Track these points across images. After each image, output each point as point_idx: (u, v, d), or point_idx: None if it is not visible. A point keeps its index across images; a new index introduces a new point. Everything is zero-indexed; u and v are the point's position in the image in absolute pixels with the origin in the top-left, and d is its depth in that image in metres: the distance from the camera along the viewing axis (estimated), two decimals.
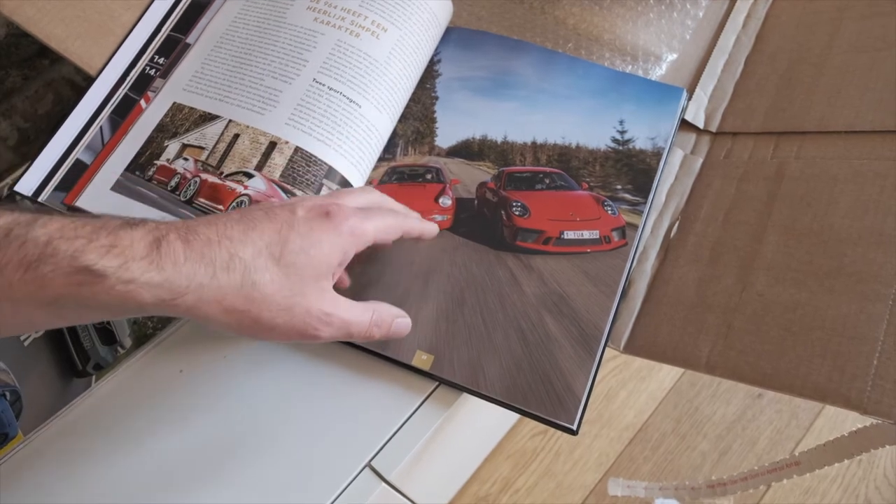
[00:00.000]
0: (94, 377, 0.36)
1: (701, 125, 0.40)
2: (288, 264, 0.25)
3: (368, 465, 0.33)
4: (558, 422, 0.32)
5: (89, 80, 0.38)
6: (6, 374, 0.35)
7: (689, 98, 0.41)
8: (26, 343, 0.36)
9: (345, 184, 0.36)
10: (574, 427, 0.32)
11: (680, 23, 0.44)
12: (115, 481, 0.33)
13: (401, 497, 0.35)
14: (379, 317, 0.29)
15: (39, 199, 0.35)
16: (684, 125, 0.41)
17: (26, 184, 0.35)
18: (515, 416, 0.80)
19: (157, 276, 0.22)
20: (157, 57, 0.40)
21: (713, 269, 0.34)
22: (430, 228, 0.34)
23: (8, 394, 0.35)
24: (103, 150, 0.37)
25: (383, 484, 0.33)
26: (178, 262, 0.22)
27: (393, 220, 0.30)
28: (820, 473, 0.81)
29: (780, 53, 0.40)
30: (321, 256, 0.26)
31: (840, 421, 0.85)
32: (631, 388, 0.89)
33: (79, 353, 0.36)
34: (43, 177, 0.36)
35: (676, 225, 0.37)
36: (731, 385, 0.87)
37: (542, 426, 0.85)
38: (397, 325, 0.31)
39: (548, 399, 0.32)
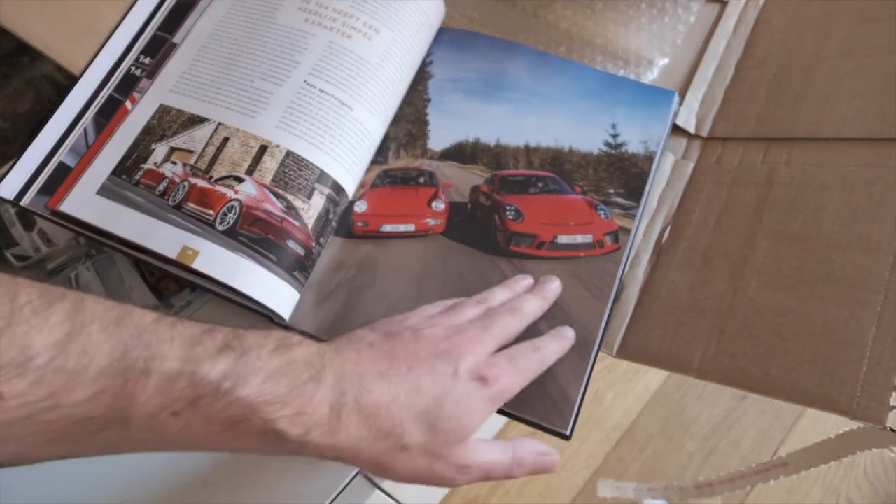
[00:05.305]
0: None
1: (692, 130, 0.41)
2: (438, 431, 0.26)
3: (360, 470, 0.33)
4: (552, 427, 0.32)
5: (72, 78, 0.37)
6: None
7: (681, 102, 0.41)
8: None
9: (337, 187, 0.36)
10: (567, 432, 0.32)
11: (672, 27, 0.44)
12: (111, 494, 0.32)
13: (394, 503, 0.35)
14: (520, 456, 0.29)
15: (22, 203, 0.34)
16: (675, 130, 0.41)
17: (8, 187, 0.34)
18: (503, 420, 0.80)
19: (328, 440, 0.24)
20: (142, 57, 0.39)
21: (705, 274, 0.34)
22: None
23: None
24: (88, 153, 0.36)
25: (376, 490, 0.33)
26: (350, 427, 0.25)
27: (537, 363, 0.30)
28: (803, 473, 0.82)
29: (770, 59, 0.41)
30: (471, 425, 0.27)
31: (822, 422, 0.86)
32: (618, 390, 0.89)
33: None
34: (25, 180, 0.35)
35: (668, 230, 0.38)
36: (716, 386, 0.88)
37: (530, 429, 0.85)
38: (543, 462, 0.30)
39: (541, 404, 0.32)
